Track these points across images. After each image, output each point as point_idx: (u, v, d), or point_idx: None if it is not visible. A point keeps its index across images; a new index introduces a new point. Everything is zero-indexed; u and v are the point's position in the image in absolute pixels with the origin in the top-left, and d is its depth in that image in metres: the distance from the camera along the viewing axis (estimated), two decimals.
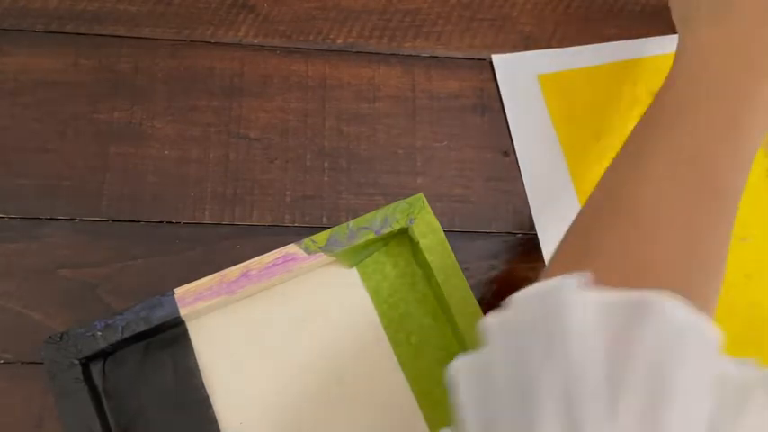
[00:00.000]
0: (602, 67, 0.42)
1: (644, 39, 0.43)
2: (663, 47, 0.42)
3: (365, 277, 0.36)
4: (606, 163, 0.40)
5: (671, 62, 0.42)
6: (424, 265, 0.36)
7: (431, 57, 0.42)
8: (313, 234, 0.35)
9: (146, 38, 0.40)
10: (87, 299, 0.36)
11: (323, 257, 0.35)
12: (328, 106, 0.40)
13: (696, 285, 0.24)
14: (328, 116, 0.40)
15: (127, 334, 0.33)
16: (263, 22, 0.41)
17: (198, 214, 0.37)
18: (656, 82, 0.41)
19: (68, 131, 0.38)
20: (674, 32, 0.43)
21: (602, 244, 0.25)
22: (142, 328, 0.33)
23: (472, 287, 0.35)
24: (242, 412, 0.34)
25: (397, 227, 0.35)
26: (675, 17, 0.36)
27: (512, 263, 0.38)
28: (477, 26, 0.42)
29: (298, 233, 0.38)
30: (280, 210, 0.38)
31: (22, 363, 0.34)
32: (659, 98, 0.30)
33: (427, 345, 0.36)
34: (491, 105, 0.41)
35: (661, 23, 0.43)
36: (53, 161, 0.38)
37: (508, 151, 0.40)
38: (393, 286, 0.36)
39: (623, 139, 0.40)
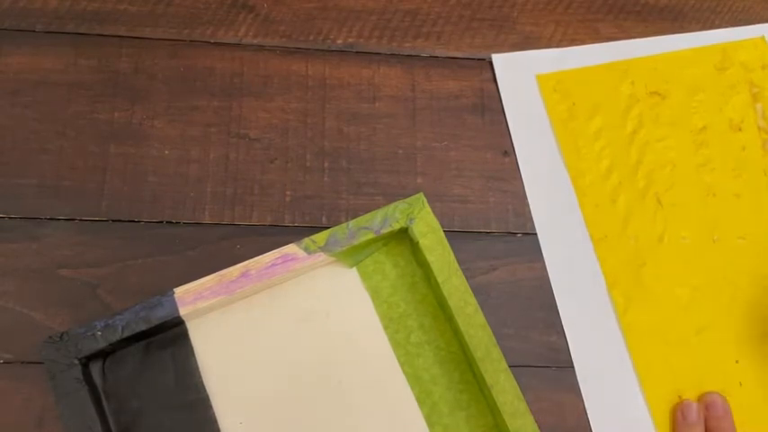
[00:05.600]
0: (600, 66, 0.42)
1: (644, 38, 0.43)
2: (662, 46, 0.43)
3: (365, 277, 0.36)
4: (604, 163, 0.40)
5: (669, 61, 0.42)
6: (423, 265, 0.36)
7: (431, 57, 0.42)
8: (313, 234, 0.35)
9: (146, 38, 0.40)
10: (87, 299, 0.36)
11: (323, 257, 0.35)
12: (328, 106, 0.40)
13: None
14: (328, 116, 0.40)
15: (127, 334, 0.33)
16: (263, 22, 0.41)
17: (198, 214, 0.37)
18: (655, 81, 0.42)
19: (68, 131, 0.38)
20: (674, 32, 0.43)
21: None
22: (142, 328, 0.33)
23: (472, 287, 0.35)
24: (242, 412, 0.34)
25: (397, 227, 0.35)
26: None
27: (512, 263, 0.38)
28: (478, 26, 0.42)
29: (298, 233, 0.38)
30: (280, 210, 0.38)
31: (22, 363, 0.35)
32: None
33: (427, 345, 0.36)
34: (491, 105, 0.41)
35: (661, 23, 0.43)
36: (53, 161, 0.38)
37: (508, 151, 0.40)
38: (393, 286, 0.36)
39: (621, 138, 0.40)
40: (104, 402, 0.33)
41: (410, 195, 0.36)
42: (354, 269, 0.36)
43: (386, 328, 0.36)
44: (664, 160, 0.40)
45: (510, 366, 0.34)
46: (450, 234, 0.38)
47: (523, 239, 0.39)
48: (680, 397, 0.37)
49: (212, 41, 0.40)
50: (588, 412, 0.36)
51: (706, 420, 0.36)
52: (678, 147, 0.41)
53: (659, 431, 0.36)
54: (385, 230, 0.35)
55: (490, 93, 0.41)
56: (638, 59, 0.42)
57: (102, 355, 0.34)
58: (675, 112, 0.41)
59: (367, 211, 0.37)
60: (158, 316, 0.33)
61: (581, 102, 0.41)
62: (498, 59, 0.41)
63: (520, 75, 0.41)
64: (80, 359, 0.32)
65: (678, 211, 0.40)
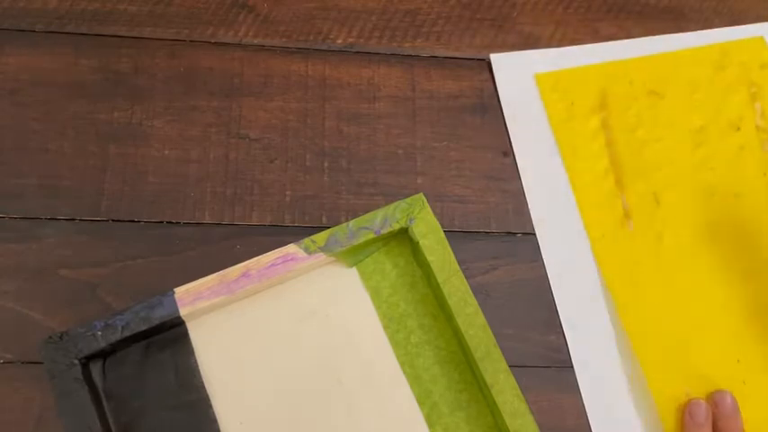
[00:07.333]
0: (598, 65, 0.42)
1: (643, 38, 0.43)
2: (662, 46, 0.43)
3: (365, 277, 0.36)
4: (602, 162, 0.40)
5: (667, 61, 0.42)
6: (424, 265, 0.36)
7: (431, 57, 0.42)
8: (313, 234, 0.35)
9: (146, 38, 0.40)
10: (87, 299, 0.36)
11: (323, 257, 0.35)
12: (328, 106, 0.40)
13: None
14: (328, 116, 0.40)
15: (127, 334, 0.33)
16: (263, 22, 0.41)
17: (198, 214, 0.37)
18: (653, 81, 0.42)
19: (68, 131, 0.38)
20: (674, 32, 0.43)
21: None
22: (142, 328, 0.33)
23: (472, 287, 0.35)
24: (242, 412, 0.34)
25: (397, 227, 0.35)
26: None
27: (512, 263, 0.38)
28: (477, 26, 0.42)
29: (298, 233, 0.38)
30: (280, 210, 0.38)
31: (22, 363, 0.34)
32: None
33: (427, 345, 0.36)
34: (491, 105, 0.41)
35: (661, 23, 0.43)
36: (53, 161, 0.38)
37: (508, 151, 0.40)
38: (393, 286, 0.36)
39: (619, 137, 0.40)
40: (104, 402, 0.33)
41: (410, 195, 0.36)
42: (354, 269, 0.36)
43: (386, 328, 0.36)
44: (662, 160, 0.40)
45: (510, 366, 0.34)
46: (450, 234, 0.38)
47: (523, 239, 0.39)
48: (687, 394, 0.36)
49: (212, 41, 0.40)
50: (588, 412, 0.36)
51: (714, 419, 0.35)
52: (676, 146, 0.41)
53: (660, 431, 0.36)
54: (385, 230, 0.35)
55: (490, 93, 0.41)
56: (637, 59, 0.42)
57: (102, 355, 0.34)
58: (674, 112, 0.41)
59: (367, 211, 0.37)
60: (158, 316, 0.33)
61: (579, 101, 0.41)
62: (496, 59, 0.41)
63: (518, 74, 0.41)
64: (80, 359, 0.32)
65: (677, 211, 0.40)
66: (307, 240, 0.35)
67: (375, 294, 0.36)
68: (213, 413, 0.34)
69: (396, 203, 0.36)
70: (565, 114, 0.41)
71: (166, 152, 0.38)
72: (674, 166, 0.40)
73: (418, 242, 0.35)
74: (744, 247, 0.39)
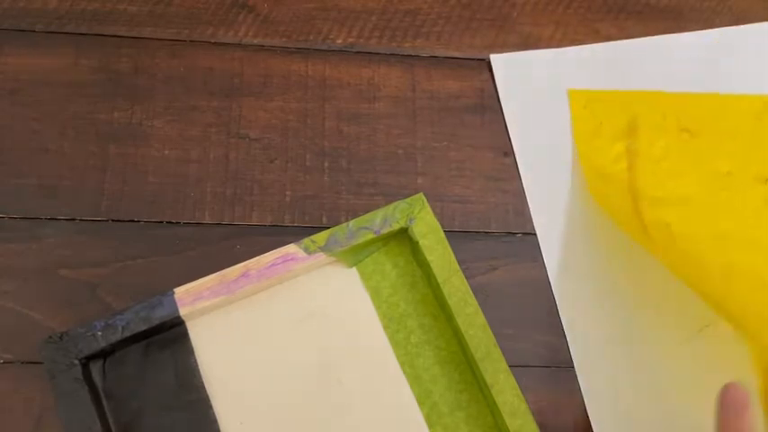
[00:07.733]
0: (635, 93, 0.41)
1: (644, 38, 0.43)
2: (661, 45, 0.42)
3: (365, 277, 0.36)
4: (622, 185, 0.39)
5: (707, 102, 0.41)
6: (423, 265, 0.36)
7: (431, 57, 0.42)
8: (313, 234, 0.35)
9: (146, 38, 0.40)
10: (87, 299, 0.36)
11: (323, 257, 0.35)
12: (328, 106, 0.40)
13: None
14: (328, 116, 0.40)
15: (127, 334, 0.33)
16: (263, 22, 0.41)
17: (198, 214, 0.37)
18: (688, 118, 0.41)
19: (68, 131, 0.38)
20: (673, 32, 0.43)
21: None
22: (142, 328, 0.33)
23: (472, 287, 0.35)
24: (242, 412, 0.34)
25: (396, 227, 0.35)
26: None
27: (512, 263, 0.38)
28: (477, 26, 0.42)
29: (297, 233, 0.38)
30: (280, 210, 0.38)
31: (22, 363, 0.35)
32: None
33: (427, 345, 0.36)
34: (491, 105, 0.41)
35: (661, 23, 0.43)
36: (53, 161, 0.38)
37: (508, 151, 0.40)
38: (393, 286, 0.36)
39: (642, 165, 0.40)
40: (104, 402, 0.33)
41: (410, 195, 0.36)
42: (354, 269, 0.36)
43: (386, 328, 0.36)
44: (682, 195, 0.40)
45: (510, 366, 0.34)
46: (450, 234, 0.38)
47: (523, 239, 0.39)
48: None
49: (212, 41, 0.40)
50: (588, 412, 0.36)
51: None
52: (699, 186, 0.40)
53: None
54: (385, 230, 0.35)
55: (490, 93, 0.41)
56: (676, 95, 0.41)
57: (103, 355, 0.34)
58: (703, 153, 0.40)
59: (367, 211, 0.37)
60: (158, 316, 0.33)
61: (609, 123, 0.40)
62: (496, 59, 0.41)
63: (518, 75, 0.41)
64: (80, 359, 0.32)
65: (689, 248, 0.39)
66: (307, 240, 0.35)
67: (375, 294, 0.36)
68: (213, 413, 0.34)
69: (396, 203, 0.36)
70: (591, 133, 0.40)
71: (166, 152, 0.38)
72: (694, 204, 0.39)
73: (418, 242, 0.35)
74: (755, 299, 0.38)
